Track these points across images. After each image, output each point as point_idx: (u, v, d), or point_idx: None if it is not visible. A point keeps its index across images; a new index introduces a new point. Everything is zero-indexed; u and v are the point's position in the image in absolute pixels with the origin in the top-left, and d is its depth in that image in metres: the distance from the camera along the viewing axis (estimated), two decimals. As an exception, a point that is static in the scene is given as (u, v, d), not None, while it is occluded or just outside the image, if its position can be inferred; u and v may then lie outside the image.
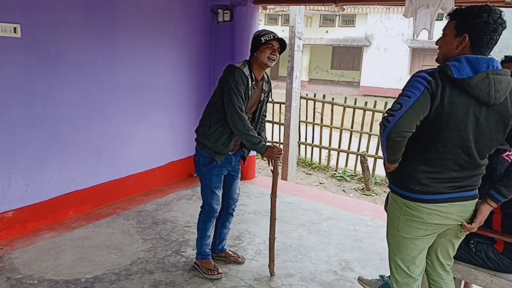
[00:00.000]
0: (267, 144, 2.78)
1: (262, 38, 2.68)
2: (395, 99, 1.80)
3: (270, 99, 2.98)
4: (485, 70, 1.70)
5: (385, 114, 1.78)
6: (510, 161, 2.10)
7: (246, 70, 2.69)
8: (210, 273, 2.95)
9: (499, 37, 1.75)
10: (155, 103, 4.56)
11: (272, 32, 2.73)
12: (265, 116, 3.04)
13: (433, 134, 1.76)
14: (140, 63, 4.30)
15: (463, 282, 2.53)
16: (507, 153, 2.14)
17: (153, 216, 3.97)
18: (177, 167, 4.92)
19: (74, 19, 3.63)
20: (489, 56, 1.76)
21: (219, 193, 2.92)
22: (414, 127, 1.72)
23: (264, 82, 2.86)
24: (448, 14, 1.87)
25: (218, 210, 2.96)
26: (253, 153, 4.86)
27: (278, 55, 2.74)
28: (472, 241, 2.19)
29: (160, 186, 4.74)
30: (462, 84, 1.70)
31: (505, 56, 2.45)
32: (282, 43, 2.74)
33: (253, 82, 2.74)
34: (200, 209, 3.00)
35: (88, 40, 3.78)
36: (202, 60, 5.02)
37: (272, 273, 3.02)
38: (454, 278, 2.36)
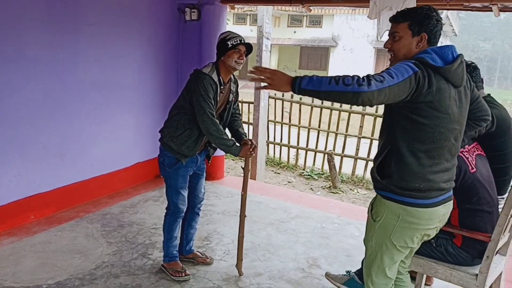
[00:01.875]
0: (244, 140, 2.83)
1: (229, 43, 2.66)
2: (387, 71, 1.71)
3: (238, 99, 2.99)
4: (452, 57, 1.83)
5: (380, 73, 1.69)
6: (464, 158, 2.20)
7: (214, 76, 2.68)
8: (178, 275, 2.92)
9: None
10: (121, 103, 4.46)
11: (238, 35, 2.72)
12: (239, 114, 3.06)
13: (429, 124, 1.79)
14: (104, 62, 4.19)
15: (424, 276, 2.62)
16: (461, 149, 2.23)
17: (118, 219, 3.88)
18: (144, 168, 4.83)
19: (33, 16, 3.49)
20: (446, 44, 1.91)
21: (185, 193, 2.90)
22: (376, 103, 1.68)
23: (231, 83, 2.86)
24: (394, 17, 1.92)
25: (184, 210, 2.94)
26: (221, 152, 4.84)
27: (245, 58, 2.75)
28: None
29: (126, 187, 4.64)
30: (444, 71, 1.79)
31: None
32: (248, 47, 2.74)
33: (221, 86, 2.73)
34: (165, 210, 2.96)
35: (49, 37, 3.65)
36: (169, 59, 4.95)
37: (240, 273, 3.02)
38: (416, 272, 2.44)
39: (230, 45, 2.66)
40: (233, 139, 2.78)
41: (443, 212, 1.93)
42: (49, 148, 3.79)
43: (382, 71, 1.72)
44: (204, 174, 3.10)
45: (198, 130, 2.73)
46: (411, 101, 1.75)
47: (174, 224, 2.93)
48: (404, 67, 1.73)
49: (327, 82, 1.66)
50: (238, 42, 2.69)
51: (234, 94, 2.91)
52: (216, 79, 2.68)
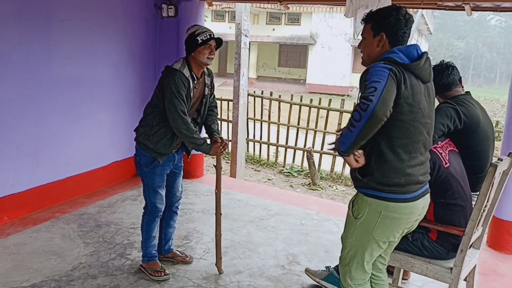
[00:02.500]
0: (214, 138, 2.82)
1: (199, 38, 2.62)
2: (366, 87, 1.77)
3: (213, 91, 2.95)
4: (418, 54, 1.90)
5: (363, 97, 1.74)
6: (437, 153, 2.25)
7: (186, 71, 2.63)
8: (157, 275, 2.89)
9: (410, 30, 1.96)
10: (96, 100, 4.38)
11: (208, 29, 2.68)
12: (216, 106, 3.01)
13: (405, 119, 1.84)
14: (79, 59, 4.10)
15: (402, 270, 2.67)
16: (435, 145, 2.28)
17: (95, 219, 3.81)
18: (121, 167, 4.76)
19: (3, 11, 3.38)
20: (410, 44, 1.96)
21: (163, 192, 2.87)
22: (391, 108, 1.75)
23: (205, 76, 2.82)
24: (363, 19, 2.02)
25: (162, 209, 2.91)
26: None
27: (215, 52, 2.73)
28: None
29: (103, 187, 4.56)
30: (413, 68, 1.85)
31: None
32: (218, 41, 2.71)
33: (195, 82, 2.70)
34: (143, 210, 2.93)
35: (21, 34, 3.54)
36: (146, 55, 4.88)
37: (220, 271, 3.01)
38: (393, 267, 2.49)
39: (200, 41, 2.62)
40: (204, 137, 2.75)
41: (422, 205, 1.99)
42: (22, 147, 3.69)
43: (365, 86, 1.78)
44: (181, 173, 3.07)
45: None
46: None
47: (152, 224, 2.89)
48: (379, 68, 1.79)
49: (350, 131, 1.76)
50: (208, 37, 2.64)
51: (209, 87, 2.87)
52: (188, 74, 2.64)
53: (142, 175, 2.84)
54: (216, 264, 3.01)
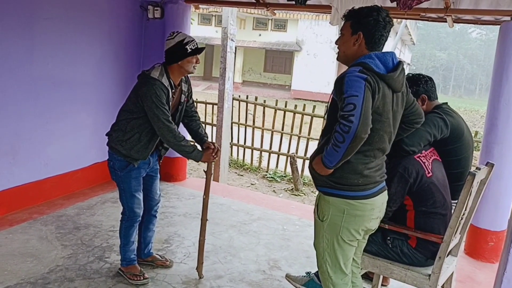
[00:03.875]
0: (206, 144, 2.78)
1: (188, 48, 2.59)
2: (327, 109, 1.88)
3: (192, 97, 2.92)
4: (393, 63, 1.92)
5: (343, 116, 1.77)
6: (421, 162, 2.28)
7: (165, 80, 2.57)
8: (136, 279, 2.84)
9: (388, 34, 1.95)
10: (78, 101, 4.31)
11: (193, 38, 2.66)
12: (196, 111, 2.98)
13: (372, 127, 1.84)
14: (61, 58, 4.04)
15: (381, 276, 2.69)
16: (418, 154, 2.31)
17: (74, 221, 3.74)
18: (102, 169, 4.64)
19: (-15, 7, 3.31)
20: (387, 51, 1.97)
21: (140, 196, 2.81)
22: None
23: (182, 83, 2.78)
24: (344, 16, 2.02)
25: (141, 214, 2.85)
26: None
27: None
28: (389, 238, 2.34)
29: (83, 189, 4.48)
30: (388, 79, 1.87)
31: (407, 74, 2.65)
32: (201, 49, 2.71)
33: (173, 90, 2.65)
34: (121, 215, 2.87)
35: (1, 31, 3.47)
36: (130, 57, 4.84)
37: (200, 275, 2.98)
38: (373, 273, 2.51)
39: (189, 50, 2.59)
40: (193, 144, 2.69)
41: (381, 201, 2.05)
42: None
43: (344, 98, 1.78)
44: (158, 175, 3.00)
45: (148, 135, 2.65)
46: None
47: (130, 229, 2.84)
48: (355, 79, 1.79)
49: (335, 150, 1.80)
50: (197, 46, 2.63)
51: (186, 94, 2.83)
52: (166, 83, 2.58)
53: (117, 180, 2.76)
54: (196, 269, 2.98)
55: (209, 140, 2.92)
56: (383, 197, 2.07)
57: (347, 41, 1.97)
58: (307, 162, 7.06)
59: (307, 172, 7.17)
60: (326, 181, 1.95)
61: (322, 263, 2.09)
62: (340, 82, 1.84)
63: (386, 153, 2.04)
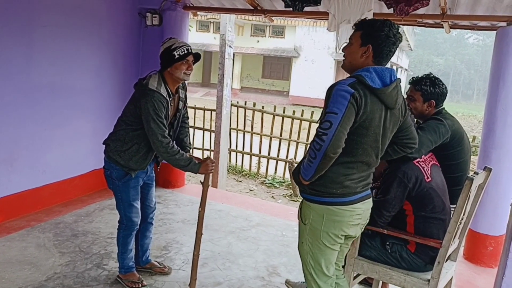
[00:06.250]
0: (200, 158, 2.70)
1: (176, 53, 2.51)
2: (321, 115, 1.88)
3: (186, 104, 2.88)
4: (391, 80, 1.90)
5: (318, 133, 1.83)
6: (420, 167, 2.29)
7: (163, 90, 2.52)
8: (134, 286, 2.83)
9: (396, 50, 1.96)
10: (77, 108, 4.32)
11: (185, 44, 2.58)
12: (187, 117, 2.95)
13: (356, 140, 1.87)
14: (60, 65, 4.05)
15: (380, 282, 2.69)
16: (418, 159, 2.32)
17: (72, 228, 3.72)
18: (100, 176, 4.57)
19: (-17, 15, 3.33)
20: (387, 67, 1.97)
21: (138, 205, 2.78)
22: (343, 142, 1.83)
23: (180, 90, 2.74)
24: (355, 24, 2.01)
25: (139, 222, 2.83)
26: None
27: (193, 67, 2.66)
28: (388, 243, 2.34)
29: (81, 196, 4.47)
30: (379, 93, 1.86)
31: (412, 78, 2.66)
32: (196, 56, 2.63)
33: (170, 98, 2.61)
34: (118, 224, 2.84)
35: (0, 38, 3.48)
36: (129, 64, 4.85)
37: None
38: (372, 278, 2.50)
39: (177, 56, 2.52)
40: (189, 157, 2.61)
41: (362, 208, 2.04)
42: (-2, 153, 3.60)
43: (326, 111, 1.83)
44: (154, 183, 2.97)
45: (146, 146, 2.60)
46: None
47: (128, 237, 2.82)
48: (341, 94, 1.81)
49: (309, 165, 1.87)
50: (186, 51, 2.54)
51: (184, 101, 2.80)
52: (165, 93, 2.53)
53: (114, 189, 2.72)
54: (189, 285, 2.78)
55: (207, 148, 2.89)
56: (366, 204, 2.06)
57: (355, 51, 1.96)
58: (305, 167, 7.06)
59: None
60: (306, 189, 2.00)
61: (305, 266, 2.13)
62: (328, 93, 1.87)
63: (372, 167, 2.03)
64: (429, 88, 2.51)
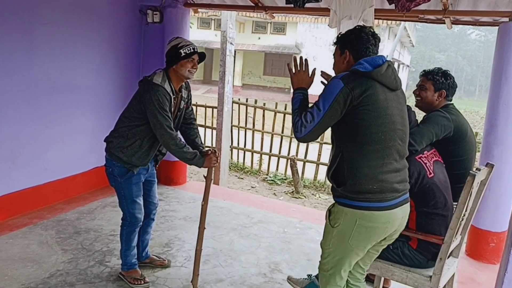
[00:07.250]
0: (204, 151, 2.73)
1: (182, 51, 2.57)
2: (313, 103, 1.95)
3: (191, 104, 2.91)
4: (382, 62, 1.95)
5: (303, 115, 1.94)
6: (422, 163, 2.28)
7: (167, 86, 2.57)
8: (137, 283, 2.84)
9: (375, 47, 2.03)
10: (78, 105, 4.32)
11: (191, 43, 2.64)
12: (195, 119, 2.97)
13: (369, 124, 1.87)
14: (60, 63, 4.04)
15: (382, 278, 2.68)
16: (420, 155, 2.31)
17: (74, 225, 3.73)
18: (102, 173, 4.57)
19: (-16, 12, 3.32)
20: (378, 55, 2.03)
21: (141, 201, 2.80)
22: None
23: (183, 90, 2.77)
24: (333, 43, 2.15)
25: (142, 219, 2.84)
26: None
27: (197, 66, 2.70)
28: (389, 239, 2.33)
29: (83, 193, 4.48)
30: (375, 75, 1.90)
31: (423, 70, 2.66)
32: (201, 55, 2.68)
33: (174, 96, 2.64)
34: (121, 221, 2.85)
35: (1, 36, 3.47)
36: (130, 61, 4.85)
37: None
38: (374, 274, 2.50)
39: (183, 54, 2.57)
40: (195, 151, 2.66)
41: (401, 215, 1.98)
42: None
43: (317, 101, 1.94)
44: (156, 180, 3.00)
45: (149, 142, 2.64)
46: (348, 110, 1.88)
47: (132, 234, 2.83)
48: (330, 89, 1.90)
49: (294, 111, 2.02)
50: (192, 50, 2.60)
51: (186, 101, 2.83)
52: (169, 89, 2.58)
53: (117, 187, 2.74)
54: (191, 281, 2.82)
55: (209, 145, 2.91)
56: (403, 210, 1.99)
57: (338, 61, 2.09)
58: (307, 164, 7.06)
59: (307, 175, 7.17)
60: (342, 193, 1.95)
61: (324, 262, 2.10)
62: (328, 80, 2.00)
63: (403, 155, 1.99)
64: (440, 78, 2.53)
